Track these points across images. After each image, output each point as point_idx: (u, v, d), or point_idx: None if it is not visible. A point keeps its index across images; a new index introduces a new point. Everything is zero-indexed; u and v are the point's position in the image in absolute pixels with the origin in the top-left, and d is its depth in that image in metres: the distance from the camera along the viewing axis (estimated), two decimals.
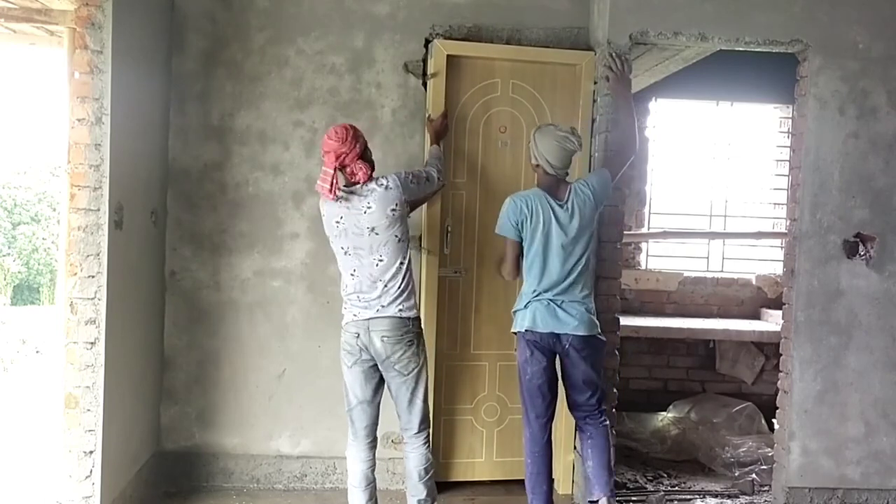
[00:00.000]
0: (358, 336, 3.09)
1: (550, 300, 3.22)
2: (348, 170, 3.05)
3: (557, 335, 3.22)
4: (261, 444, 3.87)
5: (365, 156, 3.09)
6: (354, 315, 3.11)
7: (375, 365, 3.13)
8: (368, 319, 3.08)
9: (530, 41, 3.87)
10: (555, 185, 3.28)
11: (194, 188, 3.79)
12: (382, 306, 3.07)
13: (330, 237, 3.15)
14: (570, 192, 3.26)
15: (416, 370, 3.13)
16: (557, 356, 3.29)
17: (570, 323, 3.21)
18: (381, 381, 3.18)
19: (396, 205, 3.07)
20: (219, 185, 3.80)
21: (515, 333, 3.32)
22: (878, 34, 3.71)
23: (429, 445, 3.24)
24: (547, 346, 3.24)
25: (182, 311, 3.81)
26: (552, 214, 3.22)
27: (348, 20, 3.81)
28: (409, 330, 3.10)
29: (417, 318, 3.16)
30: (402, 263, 3.10)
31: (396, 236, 3.08)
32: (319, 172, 3.09)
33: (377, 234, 3.05)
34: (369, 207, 3.05)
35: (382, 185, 3.08)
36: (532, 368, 3.25)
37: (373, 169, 3.11)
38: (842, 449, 3.77)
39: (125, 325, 3.25)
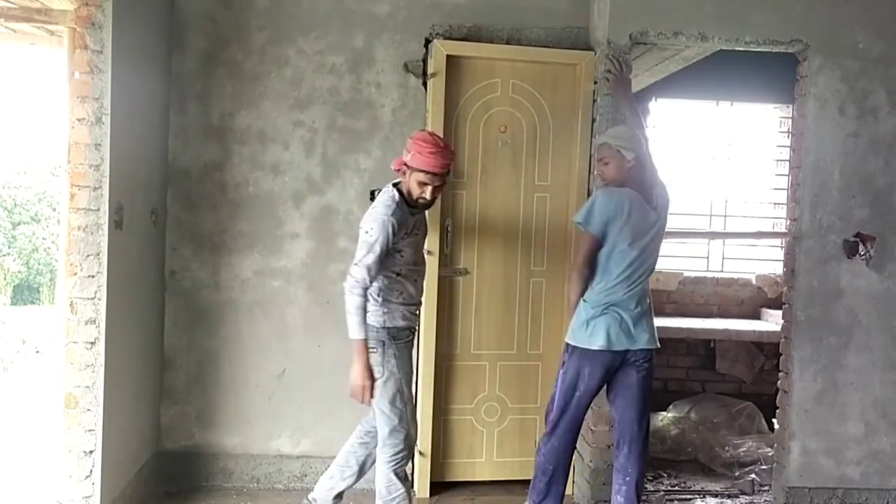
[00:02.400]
0: None
1: (621, 313, 3.05)
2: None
3: (626, 351, 3.08)
4: (261, 444, 3.87)
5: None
6: None
7: None
8: None
9: (530, 41, 3.87)
10: (643, 187, 3.12)
11: (194, 188, 3.79)
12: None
13: None
14: (655, 196, 3.13)
15: (380, 379, 3.03)
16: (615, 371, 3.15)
17: (643, 338, 3.09)
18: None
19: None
20: (219, 185, 3.80)
21: (578, 348, 3.10)
22: (878, 34, 3.71)
23: (395, 469, 3.07)
24: (611, 364, 3.10)
25: (182, 311, 3.81)
26: (645, 219, 3.07)
27: (348, 20, 3.81)
28: (372, 337, 3.02)
29: (385, 328, 3.04)
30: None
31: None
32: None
33: None
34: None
35: (378, 205, 3.04)
36: (586, 385, 3.11)
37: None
38: (842, 449, 3.77)
39: (125, 325, 3.25)
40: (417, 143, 3.01)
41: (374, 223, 2.96)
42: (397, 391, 3.05)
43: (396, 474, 3.06)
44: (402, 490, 3.07)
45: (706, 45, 3.82)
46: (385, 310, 3.06)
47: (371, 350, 3.02)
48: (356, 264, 2.96)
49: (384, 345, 3.04)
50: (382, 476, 3.07)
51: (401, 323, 3.09)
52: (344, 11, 3.80)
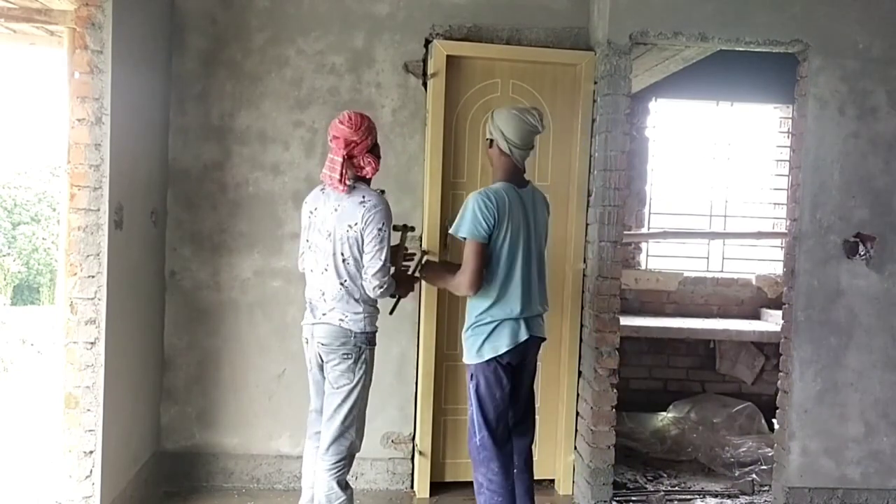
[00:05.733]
0: (307, 341, 3.00)
1: (518, 316, 2.92)
2: (356, 161, 2.91)
3: (525, 344, 2.94)
4: (261, 444, 3.87)
5: (374, 150, 2.97)
6: (304, 318, 3.03)
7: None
8: (312, 325, 2.97)
9: (530, 41, 3.87)
10: (518, 174, 3.00)
11: (194, 188, 3.79)
12: (323, 314, 2.93)
13: (302, 227, 3.04)
14: (531, 186, 3.05)
15: (347, 387, 2.91)
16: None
17: (536, 326, 3.00)
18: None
19: (351, 226, 2.87)
20: (219, 185, 3.80)
21: (478, 363, 2.93)
22: (878, 34, 3.71)
23: (338, 478, 2.93)
24: (514, 364, 2.96)
25: (182, 311, 3.81)
26: (523, 212, 2.94)
27: (348, 20, 3.81)
28: (348, 342, 2.90)
29: (365, 333, 2.91)
30: (342, 283, 2.90)
31: (342, 254, 2.88)
32: (323, 165, 2.95)
33: (330, 241, 2.91)
34: (335, 210, 2.90)
35: (365, 201, 2.88)
36: (501, 393, 2.94)
37: (377, 168, 2.98)
38: (842, 449, 3.77)
39: (125, 325, 3.25)
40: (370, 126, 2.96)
41: (385, 219, 2.88)
42: (358, 399, 2.93)
43: (338, 482, 2.95)
44: (344, 497, 2.96)
45: (706, 45, 3.82)
46: (366, 314, 2.94)
47: (345, 357, 2.89)
48: (382, 267, 2.85)
49: (360, 350, 2.91)
50: (324, 483, 2.94)
51: (376, 327, 2.99)
52: (344, 11, 3.81)
